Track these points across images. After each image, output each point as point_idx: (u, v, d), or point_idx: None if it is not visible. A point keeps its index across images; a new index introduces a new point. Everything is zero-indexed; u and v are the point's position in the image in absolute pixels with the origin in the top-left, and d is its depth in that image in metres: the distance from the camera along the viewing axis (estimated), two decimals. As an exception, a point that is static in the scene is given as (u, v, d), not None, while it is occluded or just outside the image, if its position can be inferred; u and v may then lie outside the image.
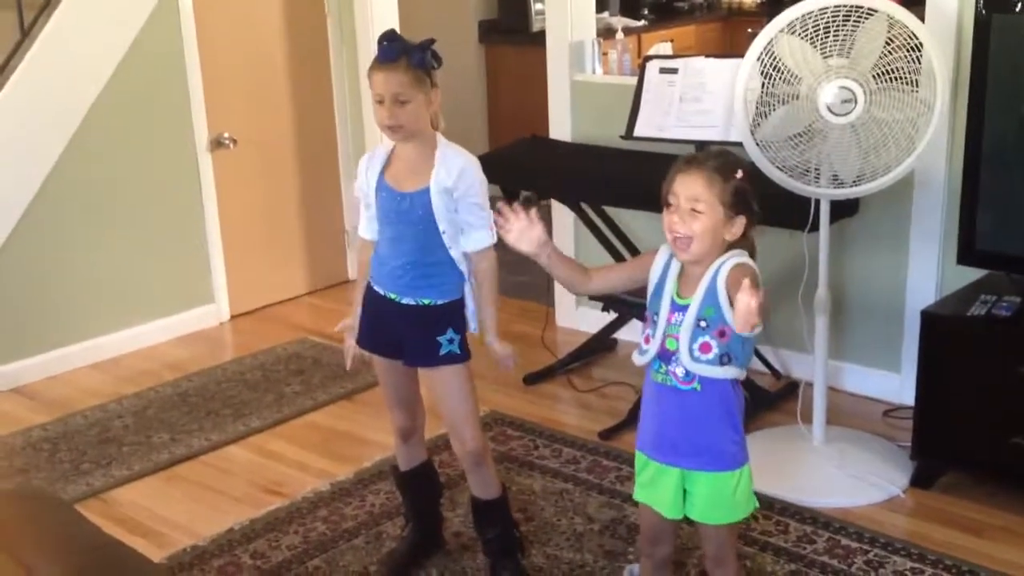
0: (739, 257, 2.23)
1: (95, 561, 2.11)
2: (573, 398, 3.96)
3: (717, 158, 2.28)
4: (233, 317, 4.82)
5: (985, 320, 3.04)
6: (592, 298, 3.90)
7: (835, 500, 3.16)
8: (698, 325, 2.22)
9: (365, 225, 2.73)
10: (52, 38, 4.10)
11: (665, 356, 2.27)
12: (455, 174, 2.56)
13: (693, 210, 2.20)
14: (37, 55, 4.08)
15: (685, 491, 2.31)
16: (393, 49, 2.53)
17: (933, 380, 3.14)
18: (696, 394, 2.25)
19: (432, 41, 2.58)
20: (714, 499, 2.29)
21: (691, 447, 2.28)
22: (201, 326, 4.70)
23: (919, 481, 3.22)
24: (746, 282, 2.06)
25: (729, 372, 2.23)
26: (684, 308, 2.24)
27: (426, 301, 2.64)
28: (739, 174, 2.21)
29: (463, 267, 2.64)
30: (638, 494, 2.40)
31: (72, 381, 4.22)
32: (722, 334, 2.21)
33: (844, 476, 3.25)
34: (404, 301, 2.65)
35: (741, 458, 2.30)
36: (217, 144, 4.67)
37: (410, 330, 2.67)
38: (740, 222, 2.22)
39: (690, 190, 2.20)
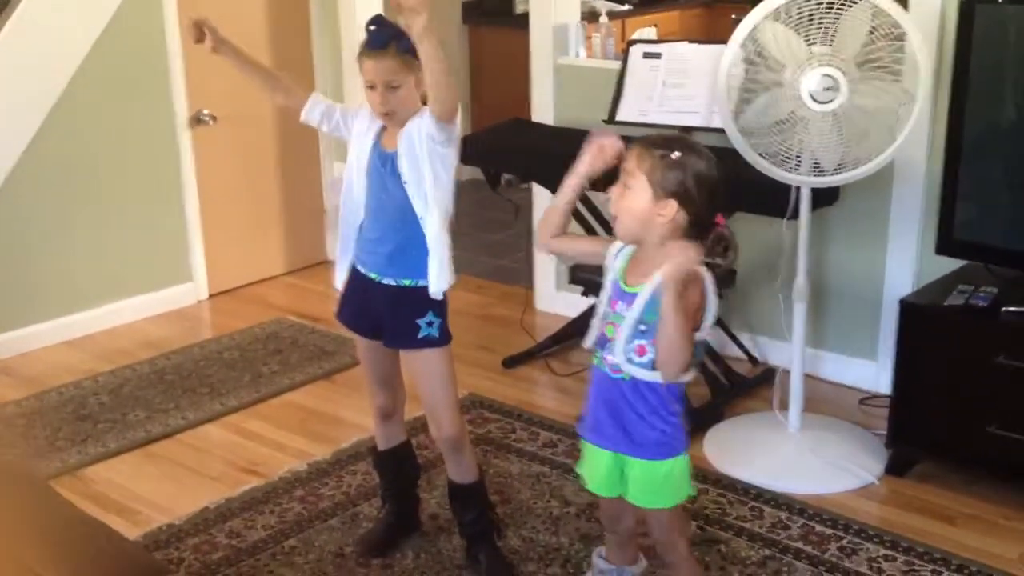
0: (694, 263, 2.15)
1: (70, 538, 2.10)
2: (551, 382, 3.96)
3: (664, 138, 2.22)
4: (211, 296, 4.79)
5: (962, 310, 3.06)
6: (572, 282, 3.90)
7: (810, 487, 3.18)
8: (638, 327, 2.20)
9: (315, 107, 2.70)
10: (30, 12, 4.05)
11: (602, 341, 2.27)
12: (415, 123, 2.55)
13: (625, 185, 2.18)
14: (14, 29, 4.02)
15: (623, 472, 2.33)
16: (382, 35, 2.53)
17: (909, 369, 3.16)
18: (625, 384, 2.25)
19: None
20: (645, 485, 2.31)
21: (620, 433, 2.29)
22: (179, 304, 4.67)
23: (894, 469, 3.25)
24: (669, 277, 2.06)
25: (659, 377, 2.21)
26: (627, 297, 2.22)
27: (406, 282, 2.63)
28: (675, 154, 2.13)
29: (434, 243, 2.58)
30: (580, 467, 2.44)
31: (48, 358, 4.19)
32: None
33: (819, 463, 3.27)
34: (384, 281, 2.65)
35: (674, 448, 2.29)
36: (197, 121, 4.63)
37: (389, 311, 2.67)
38: (670, 206, 2.14)
39: (628, 164, 2.18)
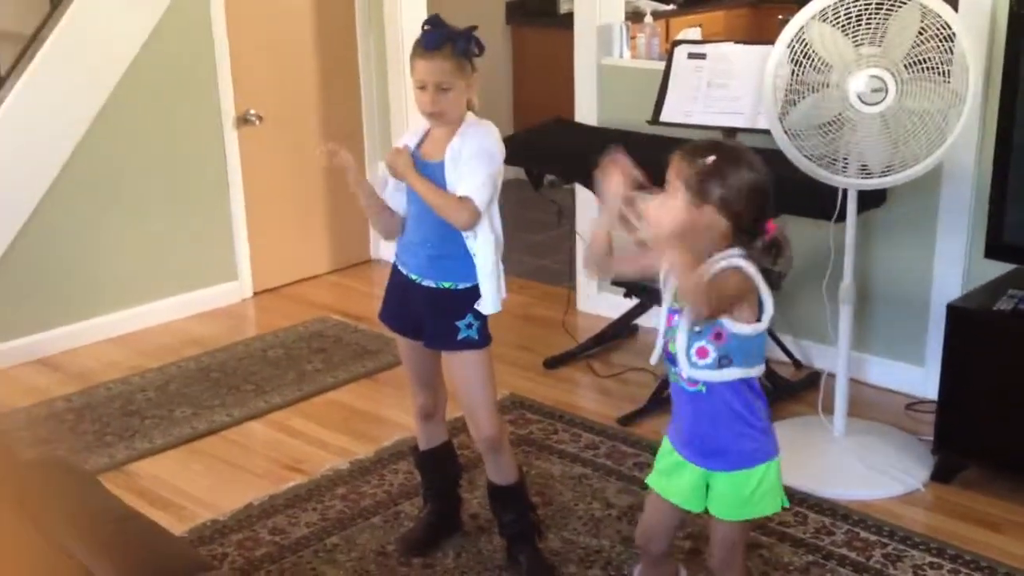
0: (734, 259, 2.12)
1: (116, 532, 2.13)
2: (593, 383, 3.95)
3: (704, 144, 2.17)
4: (256, 294, 4.84)
5: (1012, 315, 3.01)
6: (614, 283, 3.89)
7: (855, 492, 3.15)
8: (692, 330, 2.16)
9: (389, 194, 2.71)
10: (81, 11, 4.11)
11: (670, 358, 2.24)
12: (466, 141, 2.57)
13: (667, 192, 2.15)
14: (66, 28, 4.09)
15: (708, 486, 2.28)
16: (437, 36, 2.53)
17: (957, 374, 3.11)
18: (702, 396, 2.21)
19: (474, 28, 2.57)
20: (733, 497, 2.25)
21: (705, 447, 2.24)
22: (224, 302, 4.72)
23: (940, 475, 3.21)
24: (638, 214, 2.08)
25: (730, 374, 2.17)
26: (680, 311, 2.19)
27: (446, 285, 2.64)
28: (709, 159, 2.09)
29: (479, 253, 2.61)
30: (652, 479, 2.38)
31: (96, 354, 4.25)
32: (718, 336, 2.15)
33: (864, 468, 3.24)
34: (425, 283, 2.66)
35: (762, 455, 2.23)
36: (243, 121, 4.68)
37: (429, 312, 2.68)
38: (706, 212, 2.10)
39: (669, 173, 2.15)
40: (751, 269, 2.14)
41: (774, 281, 3.84)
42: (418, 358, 2.79)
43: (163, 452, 3.50)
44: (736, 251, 2.14)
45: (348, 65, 5.02)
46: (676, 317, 2.21)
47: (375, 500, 3.18)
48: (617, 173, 2.21)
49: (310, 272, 5.05)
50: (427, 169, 2.61)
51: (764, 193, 2.14)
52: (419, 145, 2.66)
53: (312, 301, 4.78)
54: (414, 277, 2.67)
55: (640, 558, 2.53)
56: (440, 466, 2.94)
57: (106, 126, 4.27)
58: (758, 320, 2.15)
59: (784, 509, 2.33)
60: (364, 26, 5.00)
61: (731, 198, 2.10)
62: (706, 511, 2.32)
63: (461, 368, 2.69)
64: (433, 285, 2.65)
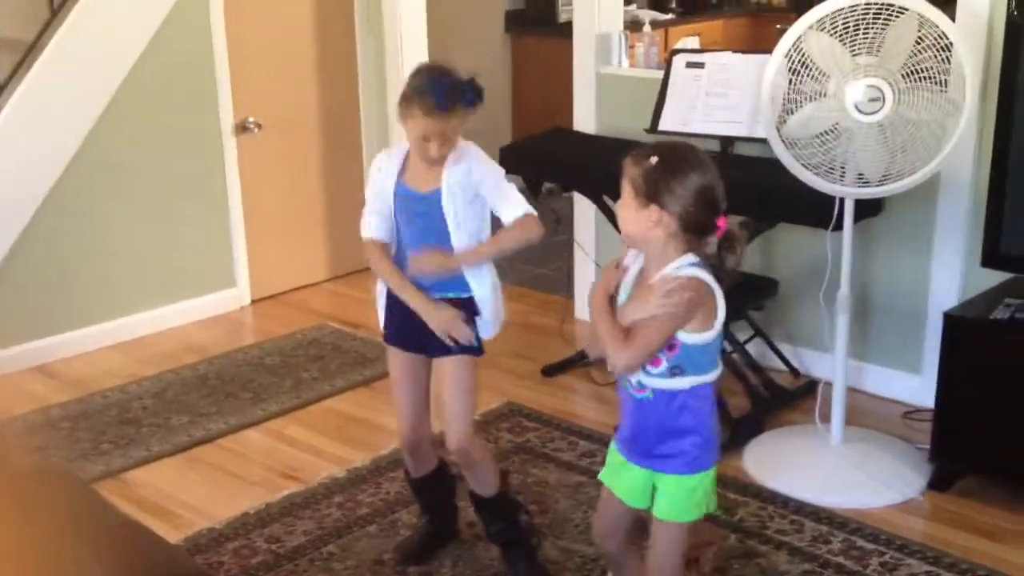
0: (687, 268, 2.15)
1: (111, 540, 2.12)
2: (591, 391, 3.95)
3: (650, 146, 2.21)
4: (254, 301, 4.84)
5: (1009, 324, 3.02)
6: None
7: (852, 501, 3.15)
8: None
9: (375, 224, 2.69)
10: (80, 19, 4.12)
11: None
12: (464, 172, 2.57)
13: (622, 199, 2.20)
14: (65, 36, 4.10)
15: (654, 486, 2.31)
16: (448, 96, 2.48)
17: (954, 383, 3.11)
18: (649, 401, 2.23)
19: (475, 76, 2.54)
20: (673, 499, 2.28)
21: (648, 451, 2.27)
22: (222, 310, 4.72)
23: (937, 484, 3.21)
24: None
25: (682, 383, 2.19)
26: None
27: (450, 295, 2.65)
28: (652, 160, 2.14)
29: (480, 276, 2.64)
30: (603, 474, 2.42)
31: (93, 361, 4.24)
32: (671, 347, 2.17)
33: (861, 477, 3.24)
34: (436, 295, 2.65)
35: (702, 463, 2.26)
36: (242, 128, 4.68)
37: None
38: (652, 211, 2.13)
39: (623, 179, 2.20)
40: (706, 276, 2.16)
41: (771, 289, 3.87)
42: (414, 376, 2.76)
43: (159, 460, 3.50)
44: (689, 259, 2.17)
45: (347, 73, 5.02)
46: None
47: (372, 508, 3.18)
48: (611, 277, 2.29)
49: (308, 280, 5.05)
50: (417, 200, 2.60)
51: (710, 191, 2.15)
52: (401, 172, 2.63)
53: (310, 309, 4.78)
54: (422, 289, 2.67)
55: (605, 562, 2.56)
56: (433, 489, 2.92)
57: (105, 134, 4.27)
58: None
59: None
60: (363, 34, 5.01)
61: (675, 197, 2.13)
62: (649, 511, 2.35)
63: (453, 372, 2.67)
64: (438, 296, 2.65)
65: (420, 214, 2.61)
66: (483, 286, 2.65)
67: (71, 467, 3.40)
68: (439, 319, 2.61)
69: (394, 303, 2.72)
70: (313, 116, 4.96)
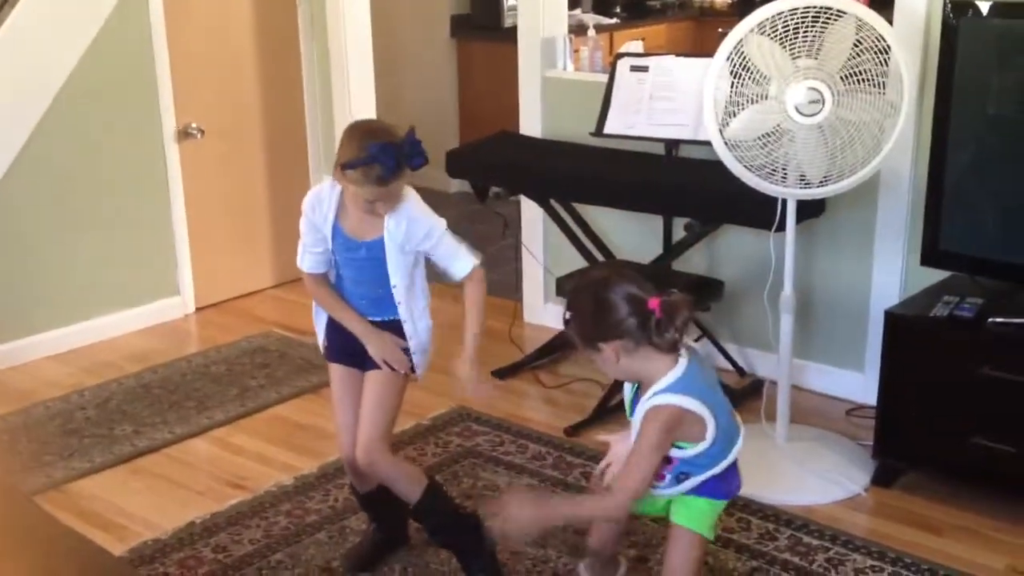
0: (659, 397, 2.18)
1: (54, 553, 2.09)
2: (540, 394, 3.96)
3: (568, 304, 2.25)
4: (198, 309, 4.78)
5: (947, 321, 3.07)
6: (560, 294, 3.90)
7: (797, 498, 3.18)
8: (675, 472, 2.25)
9: (310, 260, 2.69)
10: (17, 24, 4.05)
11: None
12: (404, 224, 2.58)
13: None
14: (2, 41, 4.02)
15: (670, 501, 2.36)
16: (398, 167, 2.46)
17: (895, 380, 3.16)
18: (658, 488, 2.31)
19: (413, 129, 2.52)
20: (692, 509, 2.32)
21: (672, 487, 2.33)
22: (166, 318, 4.66)
23: (880, 480, 3.25)
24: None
25: (692, 483, 2.26)
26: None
27: (389, 318, 2.69)
28: (567, 315, 2.22)
29: (413, 319, 2.68)
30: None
31: (34, 372, 4.17)
32: (668, 461, 2.23)
33: (806, 474, 3.28)
34: (370, 318, 2.70)
35: (718, 496, 2.34)
36: (184, 134, 4.63)
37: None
38: (607, 350, 2.17)
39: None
40: (675, 399, 2.17)
41: (716, 291, 3.90)
42: (355, 392, 2.74)
43: (103, 471, 3.44)
44: (662, 383, 2.18)
45: (291, 77, 4.99)
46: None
47: (320, 516, 3.15)
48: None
49: (253, 287, 5.00)
50: (361, 248, 2.61)
51: (625, 295, 2.16)
52: (338, 214, 2.61)
53: (255, 316, 4.74)
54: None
55: (589, 561, 2.57)
56: (379, 503, 2.88)
57: (44, 141, 4.20)
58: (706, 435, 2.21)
59: (726, 515, 2.38)
60: (307, 38, 4.97)
61: (603, 324, 2.17)
62: (667, 519, 2.37)
63: (376, 386, 2.68)
64: (378, 319, 2.70)
65: (361, 259, 2.64)
66: (415, 323, 2.69)
67: (11, 479, 3.34)
68: (377, 344, 2.67)
69: (335, 323, 2.75)
70: (257, 121, 4.92)
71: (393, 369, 2.67)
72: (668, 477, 2.25)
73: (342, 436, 2.77)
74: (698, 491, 2.30)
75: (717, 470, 2.27)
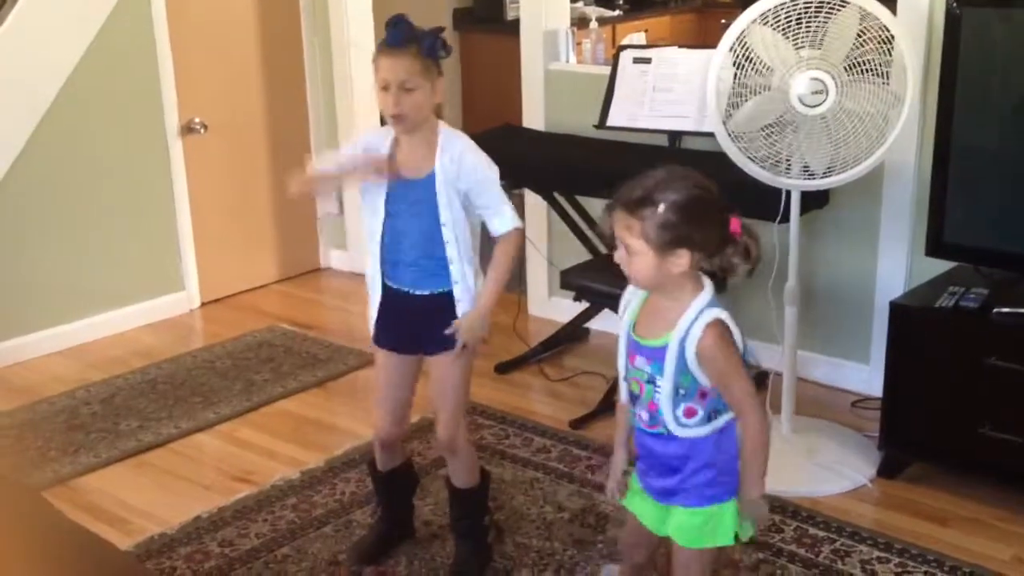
0: (709, 311, 2.06)
1: (61, 548, 2.09)
2: (544, 387, 3.96)
3: (640, 191, 2.05)
4: (203, 304, 4.79)
5: (953, 311, 3.06)
6: (564, 287, 3.90)
7: (803, 489, 3.18)
8: (677, 393, 2.09)
9: (327, 159, 2.67)
10: (21, 21, 4.05)
11: (632, 398, 2.19)
12: (457, 159, 2.53)
13: (627, 251, 2.06)
14: (4, 38, 4.02)
15: (669, 513, 2.24)
16: (402, 34, 2.46)
17: (901, 371, 3.16)
18: (661, 437, 2.15)
19: (441, 29, 2.53)
20: (687, 528, 2.20)
21: (662, 486, 2.21)
22: (171, 313, 4.66)
23: (886, 471, 3.25)
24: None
25: (718, 424, 2.13)
26: (644, 351, 2.12)
27: (440, 290, 2.61)
28: (660, 207, 2.01)
29: (460, 269, 2.60)
30: (628, 499, 2.33)
31: (39, 367, 4.17)
32: (703, 395, 2.11)
33: (812, 466, 3.27)
34: (419, 292, 2.62)
35: (715, 497, 2.17)
36: (188, 130, 4.63)
37: (429, 319, 2.62)
38: (681, 255, 2.03)
39: (620, 232, 2.06)
40: (725, 315, 2.10)
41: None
42: (404, 376, 2.74)
43: (109, 466, 3.45)
44: (705, 297, 2.09)
45: (294, 72, 4.99)
46: (639, 358, 2.13)
47: (326, 509, 3.16)
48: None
49: (258, 281, 5.00)
50: (409, 187, 2.55)
51: (714, 201, 2.06)
52: (390, 157, 2.58)
53: (260, 310, 4.74)
54: (407, 290, 2.63)
55: (621, 567, 2.49)
56: (396, 485, 2.91)
57: (47, 138, 4.20)
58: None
59: (740, 542, 2.30)
60: (309, 33, 4.97)
61: (695, 230, 2.03)
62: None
63: (451, 367, 2.64)
64: (428, 292, 2.62)
65: (412, 203, 2.55)
66: (467, 289, 2.62)
67: (18, 475, 3.35)
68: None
69: (387, 308, 2.67)
70: (260, 116, 4.92)
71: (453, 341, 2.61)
72: (700, 413, 2.11)
73: (384, 416, 2.78)
74: (698, 496, 2.17)
75: (720, 421, 2.14)
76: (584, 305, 4.07)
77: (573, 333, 4.23)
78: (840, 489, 3.19)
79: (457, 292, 2.60)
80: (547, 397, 3.89)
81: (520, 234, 2.64)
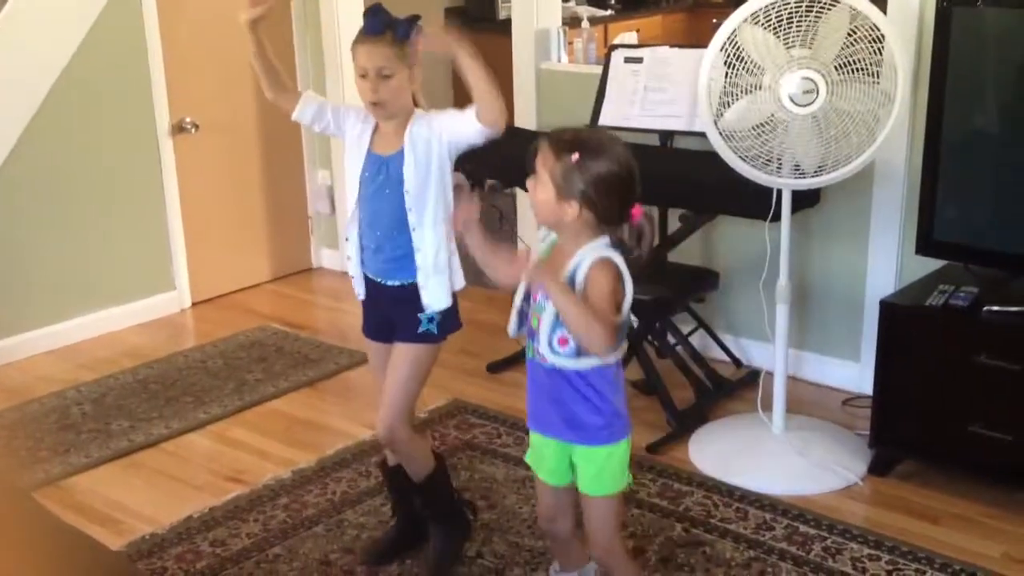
0: (602, 251, 2.19)
1: (52, 548, 2.09)
2: (536, 386, 3.96)
3: (570, 136, 2.20)
4: (194, 304, 4.78)
5: (943, 310, 3.07)
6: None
7: (794, 488, 3.19)
8: (557, 318, 2.21)
9: (310, 103, 2.68)
10: (10, 20, 4.04)
11: (531, 333, 2.30)
12: (426, 120, 2.57)
13: (536, 180, 2.21)
14: (-6, 36, 4.02)
15: (571, 460, 2.35)
16: (379, 22, 2.52)
17: (891, 369, 3.17)
18: (556, 372, 2.26)
19: (418, 17, 2.57)
20: (590, 470, 2.33)
21: (558, 420, 2.31)
22: (162, 313, 4.65)
23: (877, 469, 3.26)
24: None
25: (588, 363, 2.23)
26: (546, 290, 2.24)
27: (409, 281, 2.63)
28: (574, 156, 2.15)
29: (421, 235, 2.59)
30: (528, 456, 2.45)
31: (30, 367, 4.16)
32: None
33: (803, 464, 3.28)
34: (390, 283, 2.65)
35: (610, 435, 2.30)
36: (179, 129, 4.62)
37: (397, 308, 2.66)
38: (572, 206, 2.16)
39: (538, 161, 2.21)
40: (618, 259, 2.20)
41: (712, 281, 3.91)
42: (387, 365, 2.74)
43: (100, 466, 3.44)
44: (602, 241, 2.21)
45: (285, 70, 4.93)
46: (541, 295, 2.25)
47: (318, 509, 3.15)
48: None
49: (250, 281, 5.00)
50: (381, 162, 2.59)
51: (627, 184, 2.19)
52: (371, 141, 2.62)
53: (252, 310, 4.74)
54: (379, 280, 2.66)
55: (551, 550, 2.57)
56: (407, 480, 2.87)
57: (38, 137, 4.19)
58: (618, 310, 2.20)
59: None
60: (301, 29, 4.96)
61: (594, 194, 2.16)
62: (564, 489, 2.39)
63: (404, 359, 2.66)
64: (397, 283, 2.64)
65: (381, 182, 2.59)
66: (429, 242, 2.59)
67: (8, 475, 3.33)
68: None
69: (368, 298, 2.72)
70: (252, 115, 4.91)
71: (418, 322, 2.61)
72: (571, 345, 2.22)
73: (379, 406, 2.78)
74: (595, 435, 2.27)
75: (611, 360, 2.24)
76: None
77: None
78: (831, 487, 3.20)
79: (419, 259, 2.59)
80: (539, 396, 3.89)
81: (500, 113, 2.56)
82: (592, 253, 2.20)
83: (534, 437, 2.41)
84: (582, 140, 2.20)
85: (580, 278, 2.19)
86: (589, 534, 2.40)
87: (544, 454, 2.39)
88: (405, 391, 2.68)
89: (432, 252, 2.60)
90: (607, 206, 2.18)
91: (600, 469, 2.32)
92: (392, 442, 2.72)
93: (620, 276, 2.20)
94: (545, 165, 2.19)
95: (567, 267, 2.22)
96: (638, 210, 2.22)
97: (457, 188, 2.48)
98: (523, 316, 2.36)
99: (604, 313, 2.16)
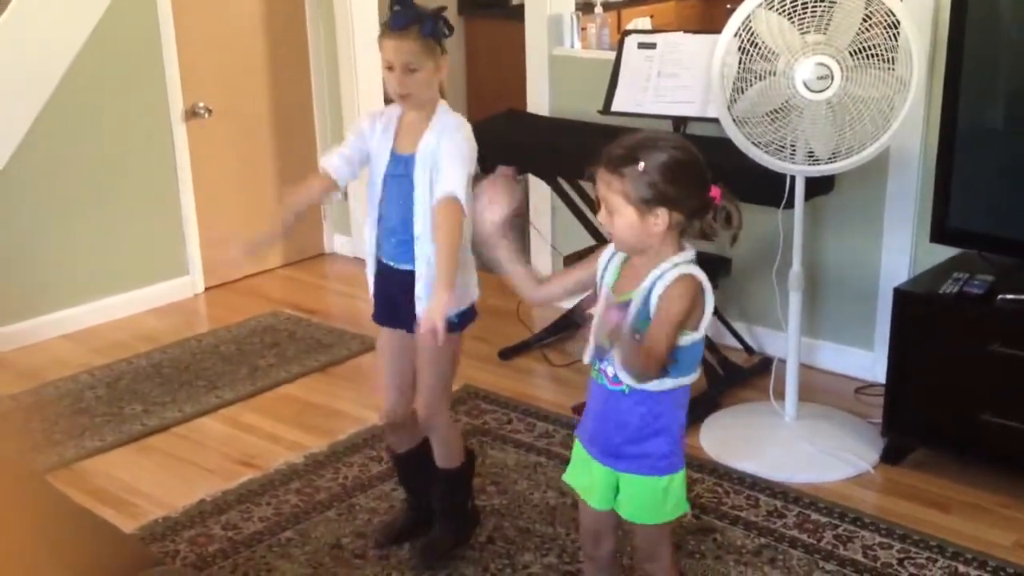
0: (683, 267, 2.09)
1: (67, 531, 2.10)
2: (547, 372, 3.96)
3: (623, 149, 2.06)
4: (207, 289, 4.79)
5: (956, 298, 3.06)
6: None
7: (806, 475, 3.19)
8: (632, 336, 2.05)
9: (335, 161, 2.65)
10: (23, 5, 4.04)
11: (600, 353, 2.15)
12: (437, 136, 2.55)
13: (608, 210, 2.08)
14: (8, 23, 4.02)
15: (618, 486, 2.24)
16: (405, 16, 2.51)
17: (904, 357, 3.16)
18: (624, 396, 2.14)
19: (443, 9, 2.57)
20: (640, 501, 2.21)
21: (616, 449, 2.19)
22: (175, 298, 4.67)
23: (889, 457, 3.25)
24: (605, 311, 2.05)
25: (663, 384, 2.12)
26: (621, 307, 2.10)
27: (423, 268, 2.61)
28: (640, 166, 2.02)
29: (423, 247, 2.59)
30: (568, 475, 2.34)
31: (44, 351, 4.18)
32: None
33: (815, 452, 3.28)
34: (402, 267, 2.63)
35: (671, 465, 2.19)
36: (192, 114, 4.62)
37: (409, 296, 2.63)
38: (661, 214, 2.04)
39: (602, 191, 2.07)
40: (701, 274, 2.11)
41: (725, 268, 3.90)
42: (398, 353, 2.73)
43: (113, 450, 3.46)
44: (685, 255, 2.11)
45: (298, 56, 4.98)
46: (616, 313, 2.11)
47: (330, 493, 3.17)
48: (497, 193, 2.26)
49: (262, 266, 5.00)
50: (399, 162, 2.58)
51: (696, 165, 2.08)
52: (394, 139, 2.61)
53: (265, 295, 4.75)
54: (392, 263, 2.65)
55: (584, 565, 2.46)
56: (412, 468, 2.89)
57: (52, 122, 4.20)
58: (695, 329, 2.11)
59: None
60: (314, 17, 4.96)
61: (674, 189, 2.04)
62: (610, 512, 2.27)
63: (427, 348, 2.62)
64: (411, 268, 2.62)
65: (397, 176, 2.59)
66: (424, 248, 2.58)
67: (24, 459, 3.36)
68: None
69: (380, 284, 2.71)
70: (265, 100, 4.91)
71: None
72: None
73: (385, 396, 2.78)
74: (655, 465, 2.17)
75: (687, 380, 2.14)
76: (588, 291, 4.06)
77: (576, 319, 4.22)
78: (843, 475, 3.19)
79: (419, 268, 2.59)
80: (550, 382, 3.90)
81: (455, 205, 2.48)
82: (675, 270, 2.08)
83: (583, 454, 2.27)
84: (634, 146, 2.06)
85: (655, 296, 2.07)
86: (638, 547, 2.31)
87: (592, 476, 2.25)
88: (438, 376, 2.69)
89: (432, 263, 2.56)
90: (689, 195, 2.05)
91: (656, 501, 2.19)
92: (432, 428, 2.73)
93: (701, 291, 2.10)
94: (612, 189, 2.05)
95: (643, 283, 2.09)
96: (716, 190, 2.09)
97: (500, 179, 2.31)
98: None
99: (658, 345, 2.04)
